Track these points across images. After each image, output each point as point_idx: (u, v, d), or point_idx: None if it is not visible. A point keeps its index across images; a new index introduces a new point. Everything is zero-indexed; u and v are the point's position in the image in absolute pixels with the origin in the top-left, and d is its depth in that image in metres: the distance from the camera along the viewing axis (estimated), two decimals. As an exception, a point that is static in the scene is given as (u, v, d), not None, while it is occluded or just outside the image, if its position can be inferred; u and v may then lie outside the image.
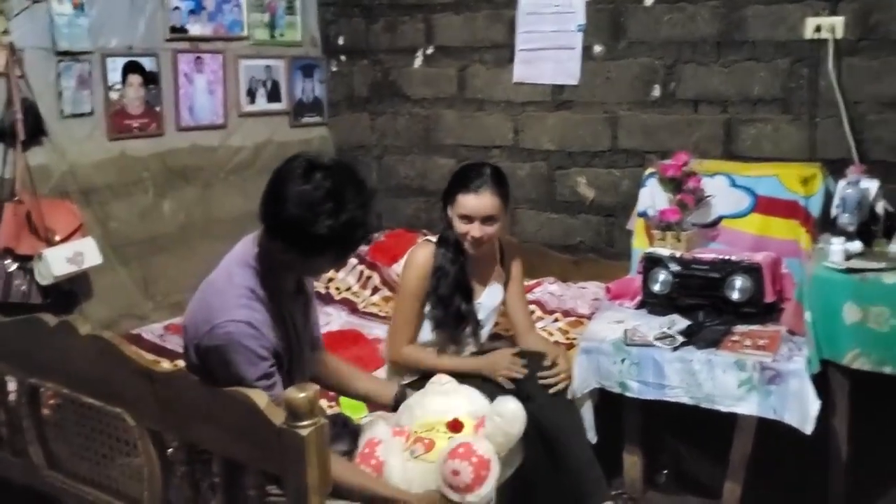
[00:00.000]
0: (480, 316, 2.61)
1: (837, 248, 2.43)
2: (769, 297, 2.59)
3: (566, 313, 3.30)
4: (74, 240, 3.00)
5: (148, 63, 3.38)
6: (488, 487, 1.92)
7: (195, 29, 3.54)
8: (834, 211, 2.63)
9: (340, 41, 4.21)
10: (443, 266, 2.53)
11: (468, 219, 2.47)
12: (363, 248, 3.84)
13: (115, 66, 3.26)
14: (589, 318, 3.04)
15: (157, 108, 3.44)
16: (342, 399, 2.55)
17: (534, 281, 3.52)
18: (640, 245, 3.07)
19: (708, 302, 2.64)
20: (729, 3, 3.23)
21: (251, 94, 3.83)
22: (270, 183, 1.84)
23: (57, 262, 2.88)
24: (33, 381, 2.05)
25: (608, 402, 2.59)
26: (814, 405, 2.28)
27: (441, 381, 2.20)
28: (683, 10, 3.33)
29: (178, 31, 3.48)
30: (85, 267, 3.01)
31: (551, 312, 3.32)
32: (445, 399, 2.13)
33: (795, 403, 2.31)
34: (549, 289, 3.54)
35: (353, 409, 2.52)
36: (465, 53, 3.90)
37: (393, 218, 4.19)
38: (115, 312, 3.30)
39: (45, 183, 3.03)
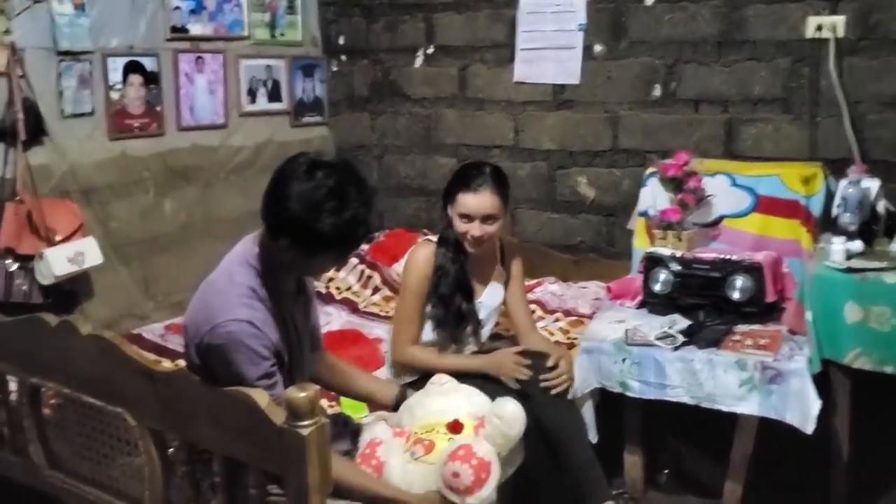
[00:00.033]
0: (481, 315, 2.61)
1: (838, 247, 2.43)
2: (770, 297, 2.58)
3: (567, 313, 3.30)
4: (75, 239, 3.00)
5: (149, 63, 3.38)
6: (488, 490, 1.92)
7: (196, 29, 3.54)
8: (835, 210, 2.63)
9: (341, 41, 4.21)
10: (443, 265, 2.53)
11: (468, 218, 2.47)
12: (364, 248, 3.83)
13: (116, 66, 3.26)
14: (590, 317, 3.04)
15: (158, 108, 3.44)
16: (343, 399, 2.55)
17: (534, 281, 3.51)
18: (640, 245, 3.07)
19: (709, 301, 2.63)
20: (730, 2, 3.23)
21: (252, 94, 3.82)
22: (272, 182, 1.84)
23: (58, 261, 2.88)
24: (34, 381, 2.05)
25: (609, 402, 2.59)
26: (815, 405, 2.28)
27: (441, 381, 2.19)
28: (684, 10, 3.33)
29: (179, 31, 3.48)
30: (86, 267, 3.01)
31: (552, 312, 3.32)
32: (445, 399, 2.13)
33: (796, 403, 2.30)
34: (549, 288, 3.53)
35: (353, 409, 2.52)
36: (465, 53, 3.89)
37: (393, 218, 4.19)
38: (116, 312, 3.30)
39: (45, 183, 3.03)
